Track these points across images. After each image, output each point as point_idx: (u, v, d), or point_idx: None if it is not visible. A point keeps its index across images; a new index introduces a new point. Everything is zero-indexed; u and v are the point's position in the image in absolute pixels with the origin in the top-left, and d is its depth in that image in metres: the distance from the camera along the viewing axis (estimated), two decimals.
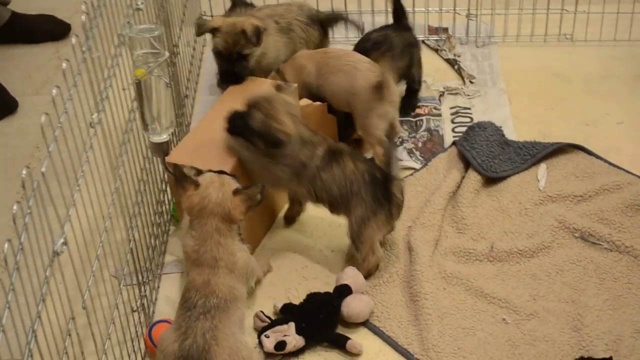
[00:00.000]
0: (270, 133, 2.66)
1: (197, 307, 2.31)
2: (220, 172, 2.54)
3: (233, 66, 3.13)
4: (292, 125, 2.69)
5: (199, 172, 2.57)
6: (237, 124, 2.71)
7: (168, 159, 2.73)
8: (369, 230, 2.70)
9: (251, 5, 3.48)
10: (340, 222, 2.92)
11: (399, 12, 3.42)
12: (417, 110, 3.42)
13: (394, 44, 3.32)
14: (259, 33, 3.07)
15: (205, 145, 2.82)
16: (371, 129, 3.08)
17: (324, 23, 3.45)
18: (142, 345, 2.57)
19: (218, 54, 3.15)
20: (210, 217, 2.41)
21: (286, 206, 2.99)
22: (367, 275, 2.76)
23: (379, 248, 2.75)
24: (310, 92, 3.15)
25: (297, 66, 3.18)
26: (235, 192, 2.44)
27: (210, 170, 2.54)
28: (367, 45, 3.32)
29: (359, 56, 3.17)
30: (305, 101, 3.06)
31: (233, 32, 3.09)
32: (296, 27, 3.36)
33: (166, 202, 2.96)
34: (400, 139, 3.30)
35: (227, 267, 2.39)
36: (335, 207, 2.76)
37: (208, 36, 3.68)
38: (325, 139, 2.76)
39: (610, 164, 3.15)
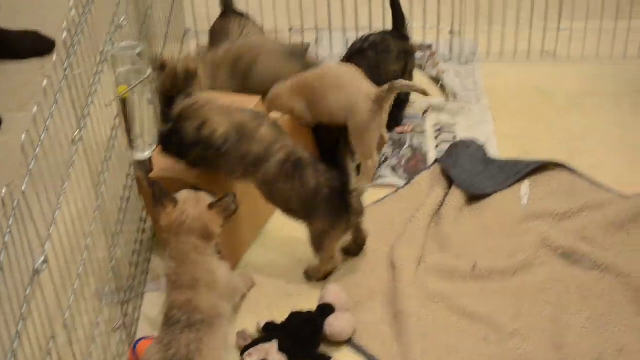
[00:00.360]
0: (204, 139, 2.66)
1: (182, 322, 2.30)
2: (195, 188, 2.54)
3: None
4: (225, 122, 2.69)
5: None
6: (173, 142, 2.70)
7: (153, 174, 2.73)
8: (328, 241, 2.74)
9: (245, 17, 3.44)
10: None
11: (398, 20, 3.41)
12: (401, 128, 3.42)
13: (391, 47, 3.32)
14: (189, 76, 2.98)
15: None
16: (368, 142, 3.08)
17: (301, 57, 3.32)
18: None
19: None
20: (187, 234, 2.40)
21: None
22: (323, 278, 2.82)
23: (337, 255, 2.79)
24: (308, 124, 3.14)
25: (284, 108, 3.11)
26: (210, 206, 2.44)
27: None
28: (365, 45, 3.31)
29: (338, 70, 3.15)
30: (275, 114, 3.04)
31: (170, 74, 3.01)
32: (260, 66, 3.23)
33: (149, 219, 2.95)
34: (384, 156, 3.30)
35: (208, 286, 2.37)
36: (291, 214, 2.78)
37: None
38: (285, 146, 2.73)
39: (593, 181, 3.15)
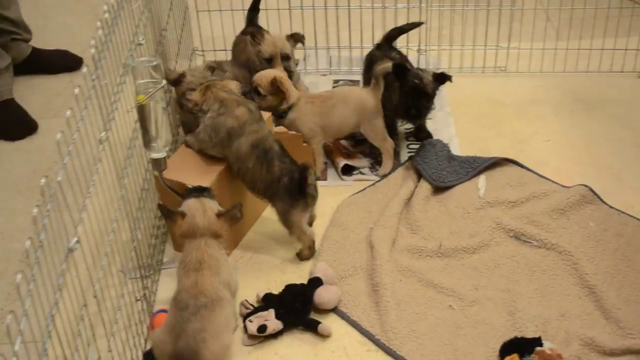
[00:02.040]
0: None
1: (189, 306, 2.27)
2: (200, 188, 2.52)
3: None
4: (199, 97, 2.78)
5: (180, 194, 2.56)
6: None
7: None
8: (292, 218, 2.75)
9: (261, 29, 3.40)
10: (313, 224, 2.92)
11: (391, 37, 3.42)
12: None
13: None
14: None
15: (190, 161, 2.80)
16: (380, 128, 3.14)
17: None
18: (145, 330, 2.54)
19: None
20: (200, 237, 2.40)
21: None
22: (310, 253, 2.82)
23: (307, 227, 2.80)
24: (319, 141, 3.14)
25: (302, 129, 3.09)
26: (219, 215, 2.42)
27: (190, 190, 2.52)
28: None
29: (338, 89, 3.20)
30: (280, 129, 3.02)
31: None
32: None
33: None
34: (370, 161, 3.29)
35: (211, 269, 2.35)
36: (255, 193, 2.80)
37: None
38: (259, 131, 2.75)
39: (539, 175, 3.16)
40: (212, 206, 2.44)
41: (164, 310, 2.52)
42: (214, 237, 2.41)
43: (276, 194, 2.74)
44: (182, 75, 2.88)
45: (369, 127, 3.13)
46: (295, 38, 3.20)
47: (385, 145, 3.16)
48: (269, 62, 3.18)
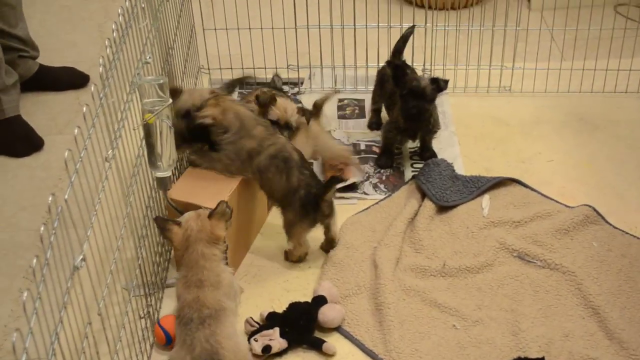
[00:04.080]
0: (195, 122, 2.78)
1: (194, 319, 2.28)
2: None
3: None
4: (218, 113, 2.77)
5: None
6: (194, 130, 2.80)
7: (169, 194, 2.72)
8: (296, 230, 2.80)
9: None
10: (317, 243, 2.93)
11: (398, 50, 3.46)
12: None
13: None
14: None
15: (201, 182, 2.81)
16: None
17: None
18: (149, 347, 2.55)
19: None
20: (195, 244, 2.39)
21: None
22: (297, 261, 2.89)
23: (306, 242, 2.85)
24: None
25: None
26: (210, 215, 2.43)
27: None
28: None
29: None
30: None
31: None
32: None
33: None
34: (367, 175, 3.31)
35: (212, 285, 2.35)
36: (272, 200, 2.87)
37: (206, 86, 3.69)
38: (276, 143, 2.80)
39: (543, 195, 3.16)
40: (205, 212, 2.45)
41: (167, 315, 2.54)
42: (212, 241, 2.41)
43: (290, 204, 2.78)
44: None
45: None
46: (305, 114, 3.17)
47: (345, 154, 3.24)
48: (272, 123, 3.14)
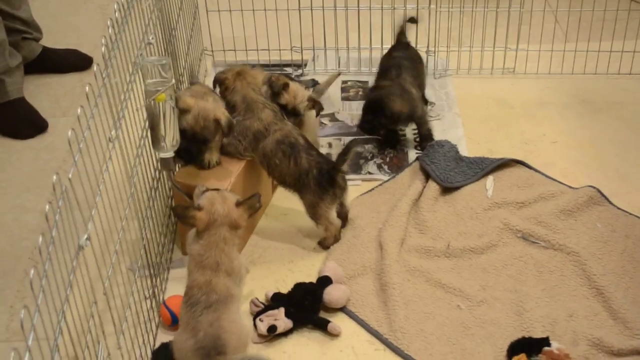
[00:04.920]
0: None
1: (201, 302, 2.28)
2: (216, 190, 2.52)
3: (191, 145, 2.75)
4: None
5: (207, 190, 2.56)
6: None
7: (176, 177, 2.72)
8: (320, 211, 2.78)
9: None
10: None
11: (401, 35, 3.47)
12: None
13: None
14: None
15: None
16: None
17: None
18: (154, 327, 2.55)
19: (183, 131, 2.69)
20: (219, 228, 2.38)
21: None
22: (335, 241, 2.85)
23: (334, 218, 2.83)
24: None
25: None
26: (237, 203, 2.42)
27: (207, 190, 2.51)
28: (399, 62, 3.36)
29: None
30: None
31: (204, 118, 2.73)
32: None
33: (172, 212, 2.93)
34: (372, 155, 3.30)
35: (227, 271, 2.36)
36: (286, 186, 2.85)
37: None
38: (283, 128, 2.82)
39: (546, 176, 3.15)
40: (230, 196, 2.44)
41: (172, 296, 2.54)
42: (233, 227, 2.40)
43: (306, 186, 2.77)
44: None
45: None
46: (315, 105, 3.13)
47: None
48: (282, 107, 3.11)
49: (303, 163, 2.77)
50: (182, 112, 2.70)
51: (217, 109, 2.75)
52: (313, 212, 2.80)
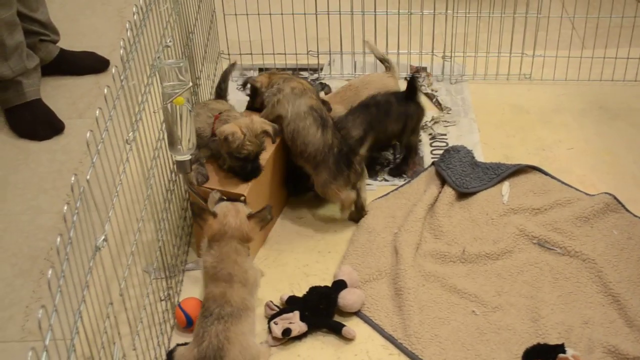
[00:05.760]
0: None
1: (213, 314, 2.28)
2: (232, 199, 2.56)
3: (253, 163, 2.77)
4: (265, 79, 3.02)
5: (222, 198, 2.57)
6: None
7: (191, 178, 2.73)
8: (330, 189, 2.85)
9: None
10: (336, 228, 2.93)
11: (410, 90, 3.17)
12: None
13: (392, 109, 3.11)
14: (276, 130, 2.79)
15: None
16: None
17: None
18: (169, 329, 2.55)
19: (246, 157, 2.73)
20: (230, 240, 2.39)
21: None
22: (357, 213, 2.96)
23: (345, 192, 2.87)
24: None
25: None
26: (249, 216, 2.43)
27: (222, 198, 2.55)
28: (370, 102, 3.10)
29: (355, 79, 3.41)
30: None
31: (255, 136, 2.72)
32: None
33: (189, 209, 2.94)
34: (387, 161, 3.29)
35: (241, 282, 2.36)
36: (300, 158, 2.89)
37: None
38: (317, 102, 2.92)
39: (562, 182, 3.14)
40: (244, 209, 2.46)
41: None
42: (244, 240, 2.41)
43: (324, 162, 2.82)
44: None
45: None
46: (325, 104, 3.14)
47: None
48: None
49: (329, 137, 2.83)
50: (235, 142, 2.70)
51: (256, 123, 2.74)
52: (324, 190, 2.87)
